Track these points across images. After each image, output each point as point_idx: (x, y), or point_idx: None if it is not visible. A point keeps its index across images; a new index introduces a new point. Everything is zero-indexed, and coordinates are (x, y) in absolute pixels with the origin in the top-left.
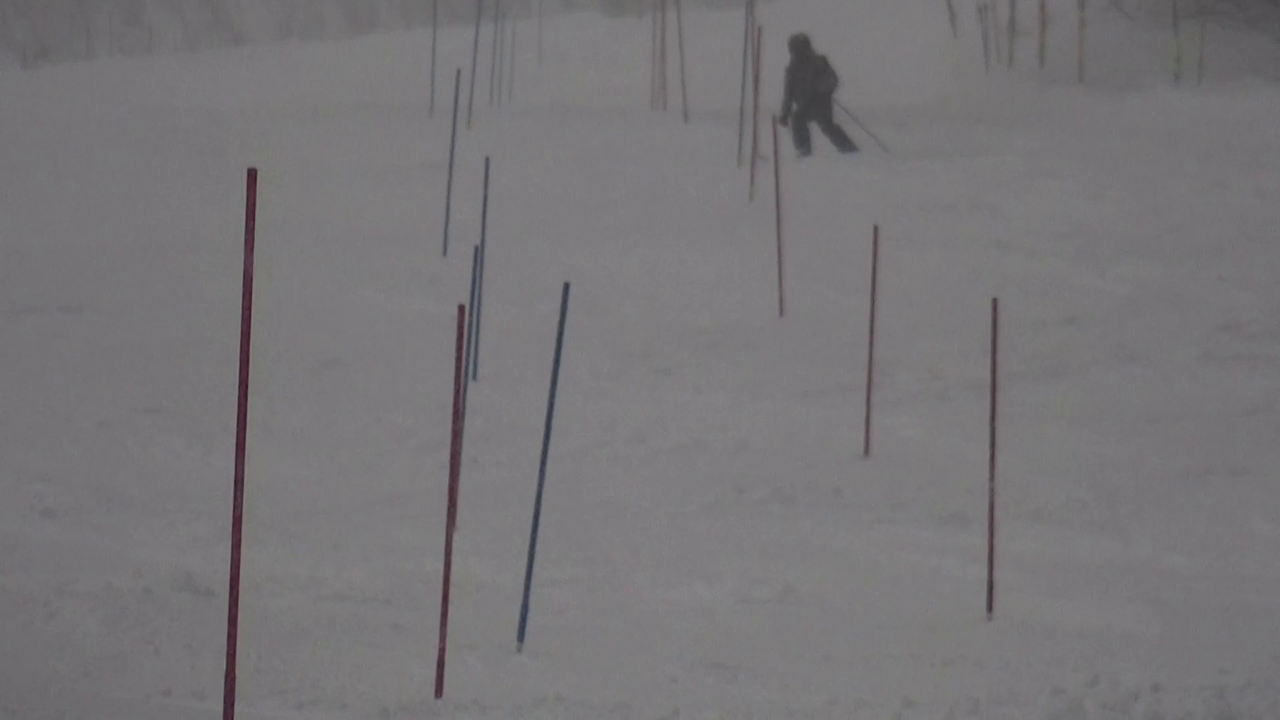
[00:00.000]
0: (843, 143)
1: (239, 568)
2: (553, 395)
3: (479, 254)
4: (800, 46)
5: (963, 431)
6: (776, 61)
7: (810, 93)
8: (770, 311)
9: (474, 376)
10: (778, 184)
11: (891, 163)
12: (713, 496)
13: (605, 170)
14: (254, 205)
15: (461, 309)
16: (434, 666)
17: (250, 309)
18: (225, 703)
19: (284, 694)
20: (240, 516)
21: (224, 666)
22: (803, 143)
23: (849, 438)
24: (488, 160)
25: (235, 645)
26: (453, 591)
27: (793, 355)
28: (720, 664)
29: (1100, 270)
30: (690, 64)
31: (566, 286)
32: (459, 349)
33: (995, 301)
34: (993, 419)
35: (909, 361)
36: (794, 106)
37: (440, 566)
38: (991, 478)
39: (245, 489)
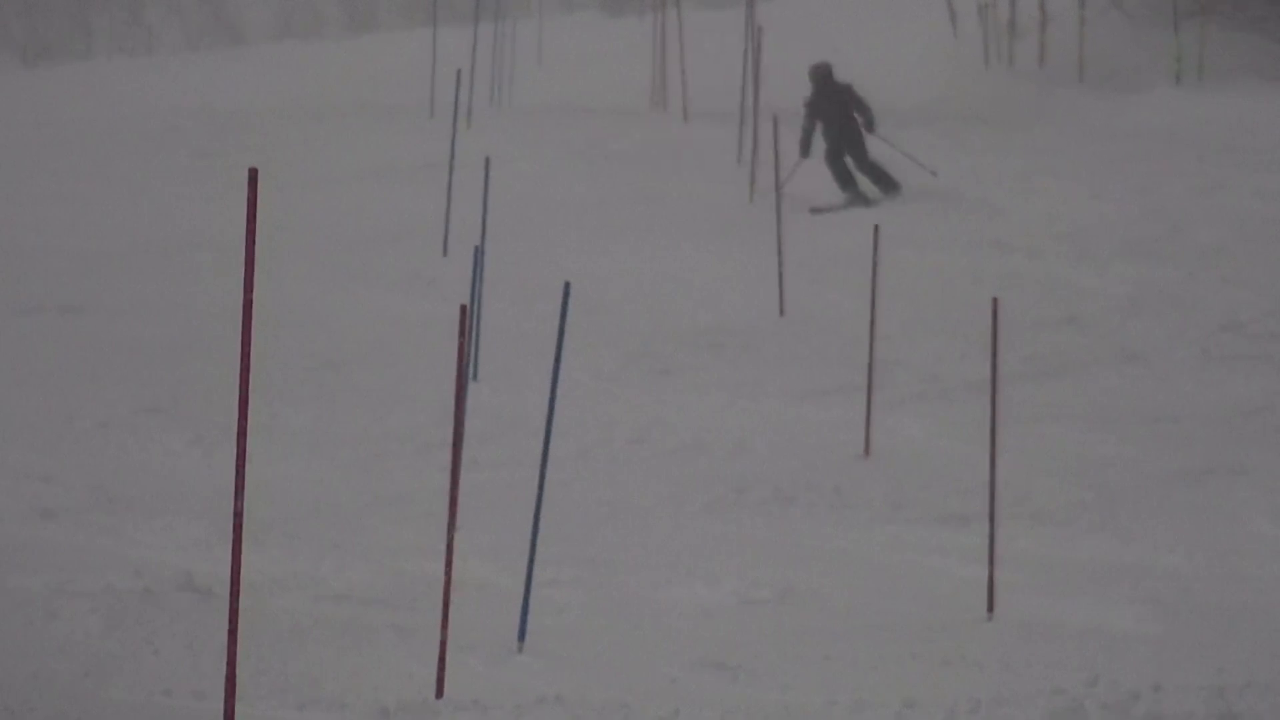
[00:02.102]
0: (885, 183)
1: (239, 568)
2: (553, 396)
3: (479, 254)
4: (821, 77)
5: (963, 432)
6: (777, 61)
7: (836, 127)
8: (770, 312)
9: (474, 377)
10: (777, 184)
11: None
12: (713, 496)
13: (605, 170)
14: (254, 205)
15: (463, 309)
16: (434, 667)
17: (250, 309)
18: (225, 703)
19: (284, 694)
20: (240, 517)
21: (224, 667)
22: (848, 183)
23: (849, 438)
24: (488, 160)
25: (235, 645)
26: (453, 592)
27: (793, 355)
28: (720, 664)
29: (1100, 270)
30: (690, 64)
31: (567, 286)
32: (460, 349)
33: (995, 301)
34: (993, 419)
35: (909, 361)
36: (824, 146)
37: (440, 567)
38: (992, 478)
39: (245, 489)
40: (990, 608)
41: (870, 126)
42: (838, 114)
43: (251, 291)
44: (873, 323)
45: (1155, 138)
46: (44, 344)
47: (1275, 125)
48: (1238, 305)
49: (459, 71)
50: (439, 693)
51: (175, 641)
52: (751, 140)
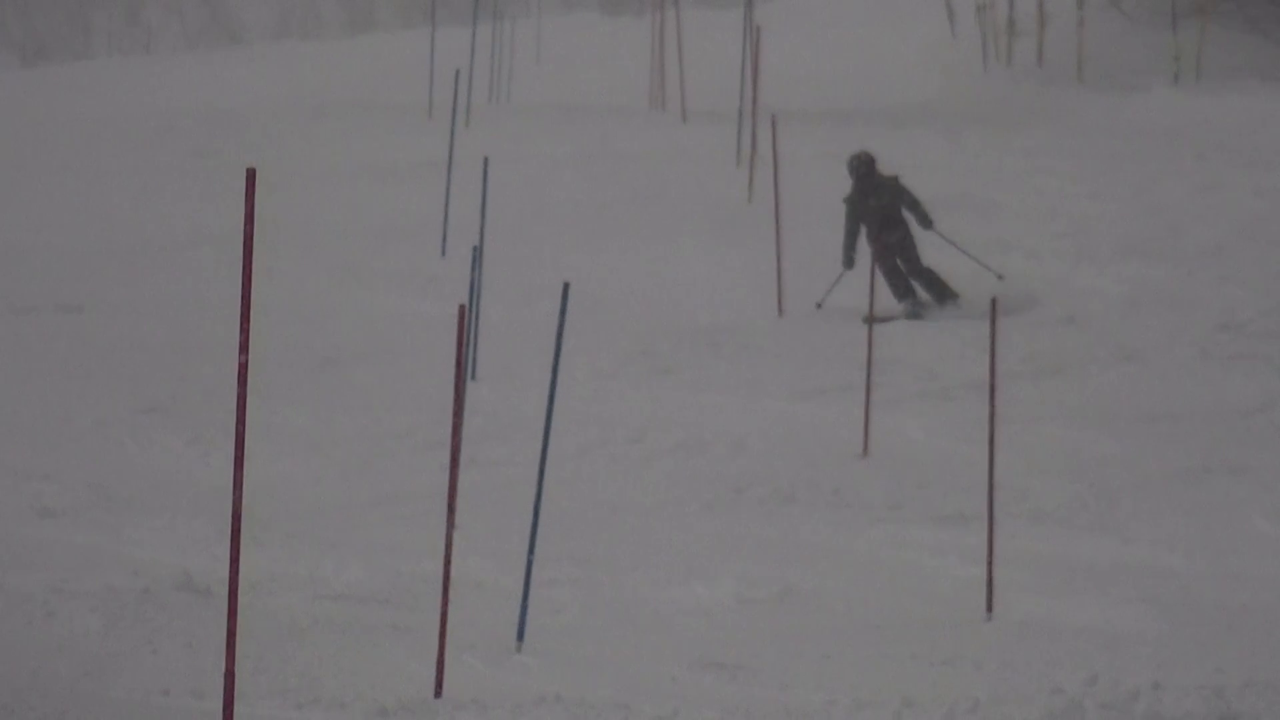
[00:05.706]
0: (940, 291)
1: (238, 567)
2: (552, 395)
3: (478, 254)
4: (861, 169)
5: (962, 431)
6: (776, 61)
7: (880, 228)
8: (770, 311)
9: (473, 376)
10: (777, 184)
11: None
12: (712, 496)
13: (605, 170)
14: (254, 205)
15: (461, 309)
16: (433, 666)
17: (249, 308)
18: (225, 702)
19: (283, 694)
20: (240, 516)
21: (223, 666)
22: (905, 292)
23: (848, 438)
24: (486, 160)
25: (234, 645)
26: (452, 591)
27: (792, 355)
28: (720, 664)
29: (1100, 270)
30: (689, 64)
31: (566, 286)
32: (459, 349)
33: (995, 301)
34: (992, 419)
35: (908, 361)
36: (872, 250)
37: (439, 566)
38: (990, 477)
39: (245, 489)
40: (989, 607)
41: (926, 223)
42: (884, 213)
43: (250, 291)
44: (871, 322)
45: (1154, 137)
46: (43, 344)
47: (1274, 125)
48: (1236, 304)
49: (457, 71)
50: (438, 692)
51: (174, 641)
52: (750, 140)
